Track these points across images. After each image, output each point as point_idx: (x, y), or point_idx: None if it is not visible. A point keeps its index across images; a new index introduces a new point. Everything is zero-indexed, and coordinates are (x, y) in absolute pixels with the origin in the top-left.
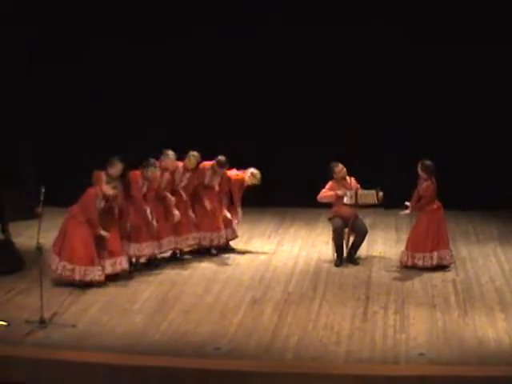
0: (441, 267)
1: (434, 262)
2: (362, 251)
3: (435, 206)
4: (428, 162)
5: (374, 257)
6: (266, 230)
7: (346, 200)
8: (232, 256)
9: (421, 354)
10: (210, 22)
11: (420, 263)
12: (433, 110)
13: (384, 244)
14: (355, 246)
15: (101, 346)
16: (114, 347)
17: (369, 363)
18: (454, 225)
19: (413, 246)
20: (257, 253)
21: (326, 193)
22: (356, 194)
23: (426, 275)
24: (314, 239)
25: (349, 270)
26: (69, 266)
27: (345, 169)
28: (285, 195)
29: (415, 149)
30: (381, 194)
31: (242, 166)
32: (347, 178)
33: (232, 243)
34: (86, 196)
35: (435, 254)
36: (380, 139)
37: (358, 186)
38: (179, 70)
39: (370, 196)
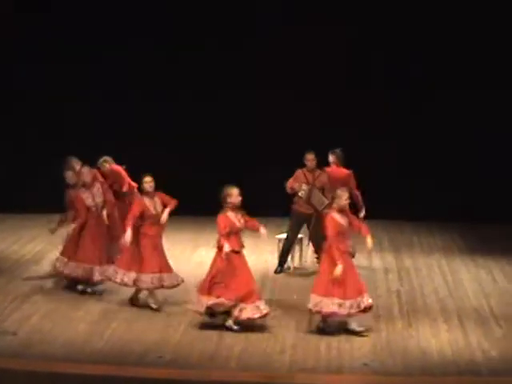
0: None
1: None
2: (307, 258)
3: None
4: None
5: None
6: (210, 238)
7: (300, 193)
8: (177, 264)
9: (365, 365)
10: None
11: None
12: (379, 122)
13: None
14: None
15: (43, 355)
16: (57, 355)
17: (313, 373)
18: (399, 235)
19: None
20: (202, 262)
21: (290, 182)
22: (310, 190)
23: (371, 286)
24: (260, 248)
25: (294, 280)
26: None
27: (314, 161)
28: None
29: (367, 161)
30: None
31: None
32: (318, 171)
33: (178, 252)
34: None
35: None
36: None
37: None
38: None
39: (320, 201)
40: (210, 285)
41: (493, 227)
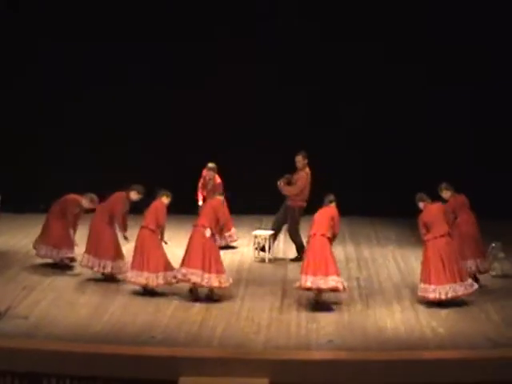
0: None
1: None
2: (279, 252)
3: None
4: None
5: (289, 256)
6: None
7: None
8: None
9: (329, 341)
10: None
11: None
12: (347, 123)
13: None
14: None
15: (50, 336)
16: (62, 336)
17: (284, 349)
18: (358, 229)
19: None
20: None
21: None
22: (281, 182)
23: None
24: (237, 242)
25: (267, 269)
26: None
27: (301, 162)
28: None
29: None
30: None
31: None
32: (304, 169)
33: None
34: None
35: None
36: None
37: (303, 180)
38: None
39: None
40: None
41: None
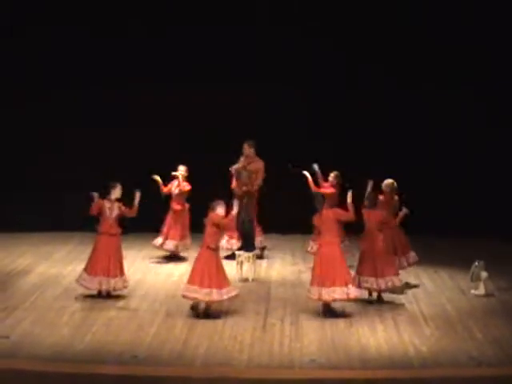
0: None
1: None
2: (262, 271)
3: None
4: None
5: (272, 275)
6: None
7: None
8: (148, 276)
9: (312, 360)
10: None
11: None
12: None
13: (281, 264)
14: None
15: (32, 355)
16: (44, 356)
17: (267, 368)
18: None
19: None
20: (170, 273)
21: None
22: (238, 171)
23: None
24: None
25: (250, 287)
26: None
27: (247, 150)
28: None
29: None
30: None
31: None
32: (255, 158)
33: (151, 265)
34: None
35: None
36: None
37: (260, 168)
38: None
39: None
40: None
41: (419, 239)
